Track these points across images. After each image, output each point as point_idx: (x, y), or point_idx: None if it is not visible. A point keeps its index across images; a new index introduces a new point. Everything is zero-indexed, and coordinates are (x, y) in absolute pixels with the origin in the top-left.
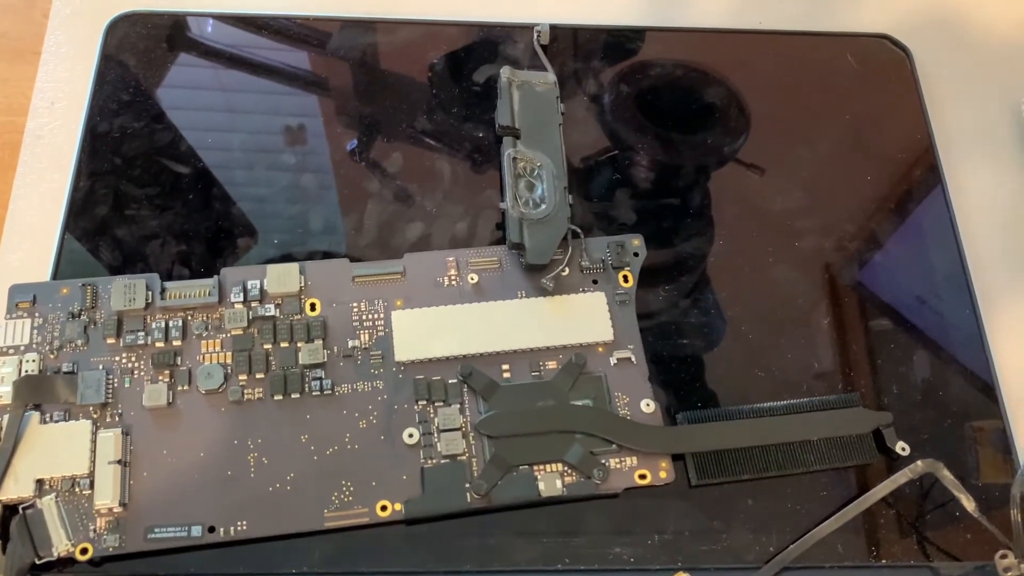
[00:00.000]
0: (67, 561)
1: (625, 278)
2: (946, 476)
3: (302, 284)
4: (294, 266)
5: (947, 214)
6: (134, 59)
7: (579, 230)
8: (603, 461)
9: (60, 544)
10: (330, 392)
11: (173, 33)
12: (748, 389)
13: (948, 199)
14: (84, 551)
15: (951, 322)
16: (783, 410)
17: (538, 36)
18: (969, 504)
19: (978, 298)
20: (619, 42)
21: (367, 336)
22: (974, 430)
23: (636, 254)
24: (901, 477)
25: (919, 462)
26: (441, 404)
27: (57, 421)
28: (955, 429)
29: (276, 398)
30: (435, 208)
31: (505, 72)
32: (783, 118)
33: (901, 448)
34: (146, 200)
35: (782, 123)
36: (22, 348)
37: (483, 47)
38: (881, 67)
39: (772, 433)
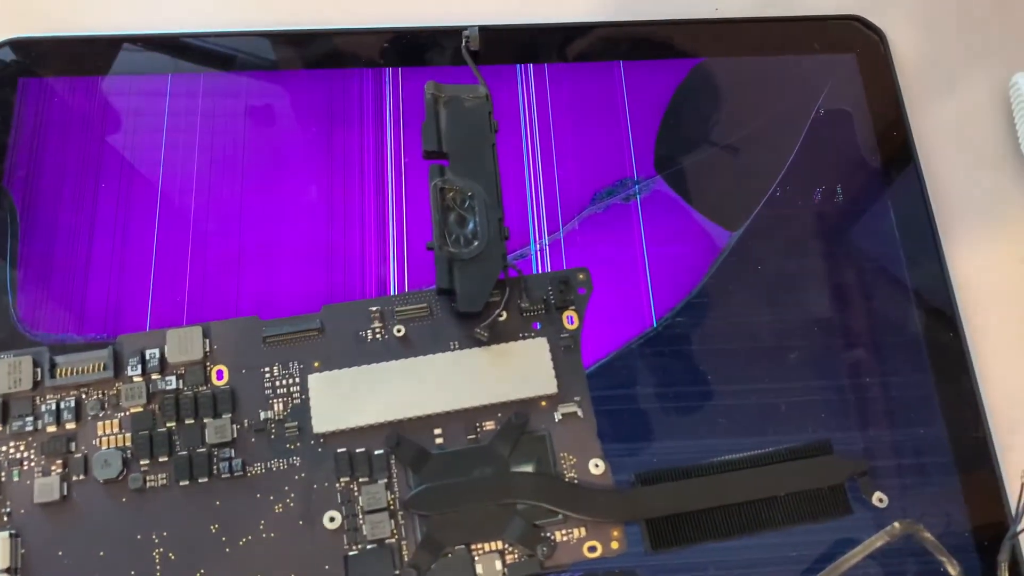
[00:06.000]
0: None
1: (570, 319)
2: (927, 539)
3: (207, 349)
4: (197, 329)
5: (926, 215)
6: (19, 94)
7: (518, 268)
8: (547, 535)
9: None
10: (241, 473)
11: (65, 63)
12: (708, 436)
13: (927, 198)
14: None
15: (933, 346)
16: (747, 462)
17: (467, 42)
18: (954, 570)
19: (962, 317)
20: (564, 41)
21: (281, 406)
22: (959, 477)
23: (582, 291)
24: (877, 540)
25: (896, 524)
26: (365, 481)
27: None
28: (938, 471)
29: (182, 484)
30: (357, 250)
31: (429, 88)
32: (742, 117)
33: (878, 499)
34: (32, 260)
35: (741, 123)
36: None
37: (409, 56)
38: (852, 52)
39: (735, 491)
